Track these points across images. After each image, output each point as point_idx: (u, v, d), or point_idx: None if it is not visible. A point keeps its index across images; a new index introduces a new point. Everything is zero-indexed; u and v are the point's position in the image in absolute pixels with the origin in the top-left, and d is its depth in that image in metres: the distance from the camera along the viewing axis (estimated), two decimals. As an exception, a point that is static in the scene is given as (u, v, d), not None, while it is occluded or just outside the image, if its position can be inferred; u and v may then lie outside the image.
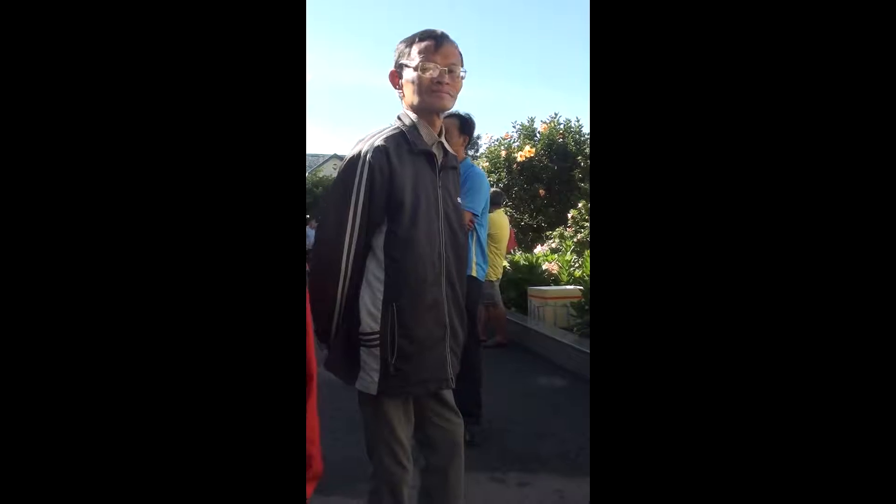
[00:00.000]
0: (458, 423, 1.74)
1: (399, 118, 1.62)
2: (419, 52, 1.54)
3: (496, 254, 5.73)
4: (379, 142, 1.52)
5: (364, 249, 1.53)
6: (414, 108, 1.59)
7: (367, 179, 1.49)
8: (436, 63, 1.53)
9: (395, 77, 1.62)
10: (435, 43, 1.54)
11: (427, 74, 1.53)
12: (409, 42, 1.57)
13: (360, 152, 1.52)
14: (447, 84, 1.54)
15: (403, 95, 1.60)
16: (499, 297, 5.80)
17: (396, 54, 1.60)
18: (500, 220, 5.87)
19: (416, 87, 1.55)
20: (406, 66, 1.56)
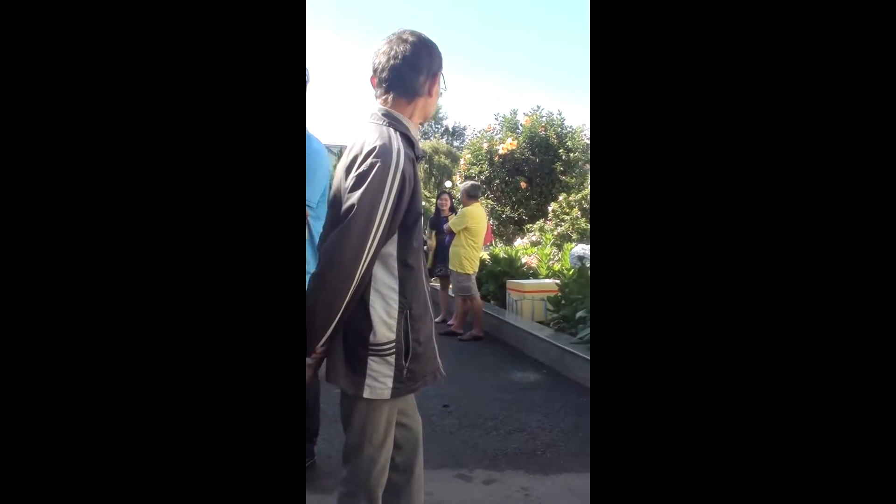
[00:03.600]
0: (419, 422, 1.77)
1: (397, 119, 1.56)
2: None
3: (473, 247, 5.72)
4: (404, 149, 1.48)
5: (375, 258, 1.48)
6: (418, 115, 1.62)
7: (397, 189, 1.43)
8: None
9: (436, 83, 1.63)
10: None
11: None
12: (439, 55, 1.62)
13: (389, 160, 1.44)
14: None
15: (426, 103, 1.62)
16: (475, 290, 5.80)
17: (437, 61, 1.61)
18: (478, 213, 5.85)
19: (436, 101, 1.66)
20: (443, 77, 1.64)
